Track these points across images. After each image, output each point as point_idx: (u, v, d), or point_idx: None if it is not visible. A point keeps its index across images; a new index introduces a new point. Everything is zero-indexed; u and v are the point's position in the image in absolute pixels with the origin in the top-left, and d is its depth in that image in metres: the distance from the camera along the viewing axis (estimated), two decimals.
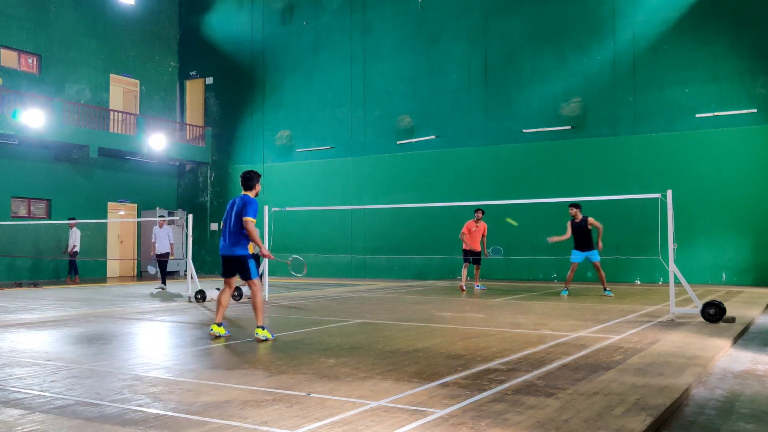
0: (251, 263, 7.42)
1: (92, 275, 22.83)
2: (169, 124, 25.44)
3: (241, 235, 7.40)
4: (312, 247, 22.30)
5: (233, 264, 7.47)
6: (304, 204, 21.80)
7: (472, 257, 15.08)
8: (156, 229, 16.66)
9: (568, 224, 13.48)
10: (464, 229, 15.07)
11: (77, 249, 19.52)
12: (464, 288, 14.87)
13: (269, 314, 10.50)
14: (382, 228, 21.38)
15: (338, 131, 23.00)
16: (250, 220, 7.34)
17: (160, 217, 18.88)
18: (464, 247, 15.05)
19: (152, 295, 14.71)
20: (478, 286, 15.67)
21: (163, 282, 16.70)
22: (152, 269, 9.83)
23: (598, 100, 18.97)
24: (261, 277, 13.25)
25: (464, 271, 15.10)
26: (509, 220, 14.25)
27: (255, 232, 7.34)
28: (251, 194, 7.67)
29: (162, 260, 16.67)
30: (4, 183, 20.61)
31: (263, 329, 7.42)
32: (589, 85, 19.08)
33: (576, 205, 13.25)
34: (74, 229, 19.50)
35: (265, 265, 12.85)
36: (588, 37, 19.12)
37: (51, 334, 8.12)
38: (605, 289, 13.42)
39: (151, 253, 16.69)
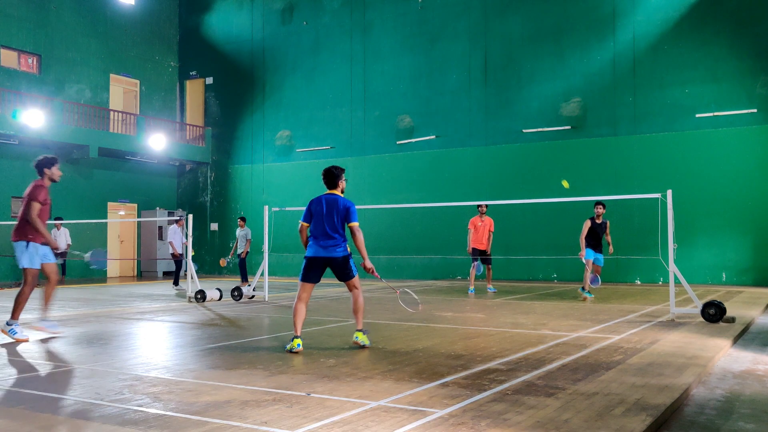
0: (352, 261, 6.87)
1: (92, 275, 22.83)
2: (169, 124, 25.45)
3: (342, 237, 6.82)
4: None
5: (333, 266, 6.82)
6: (304, 204, 21.48)
7: (480, 257, 14.28)
8: (175, 227, 16.74)
9: (588, 222, 12.65)
10: (470, 225, 14.39)
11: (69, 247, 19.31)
12: (470, 293, 14.32)
13: (269, 314, 10.50)
14: (382, 228, 21.38)
15: (338, 131, 23.01)
16: (358, 226, 6.81)
17: (180, 217, 18.88)
18: (470, 244, 14.31)
19: (176, 295, 14.86)
20: (490, 288, 14.74)
21: (177, 281, 16.86)
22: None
23: (598, 100, 18.98)
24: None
25: (472, 272, 14.52)
26: (564, 183, 12.98)
27: (362, 238, 6.81)
28: (339, 193, 6.99)
29: (177, 260, 16.84)
30: (4, 183, 20.62)
31: (363, 333, 6.89)
32: (589, 85, 19.08)
33: (603, 204, 12.65)
34: (62, 228, 19.28)
35: (264, 264, 12.83)
36: (588, 37, 19.13)
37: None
38: (583, 289, 12.86)
39: (175, 253, 16.66)
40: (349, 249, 6.88)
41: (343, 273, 6.85)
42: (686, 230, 16.61)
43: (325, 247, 6.78)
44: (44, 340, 7.56)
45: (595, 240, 12.75)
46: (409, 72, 21.83)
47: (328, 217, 6.81)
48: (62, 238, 19.12)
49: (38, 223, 7.40)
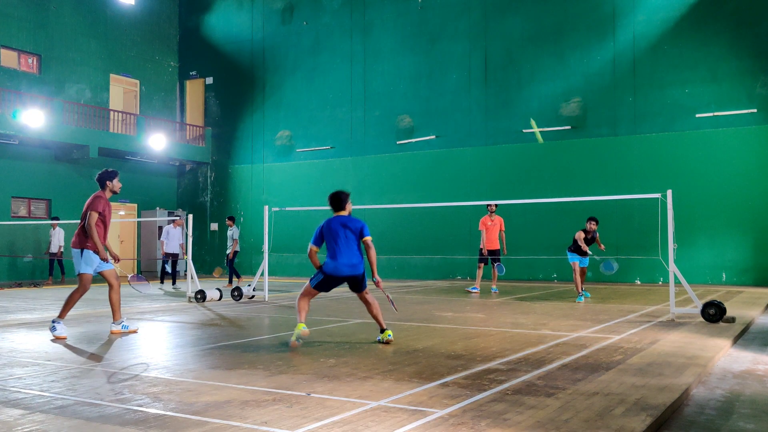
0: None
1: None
2: (169, 124, 25.44)
3: (361, 254, 7.33)
4: None
5: (352, 281, 7.32)
6: (304, 204, 21.79)
7: (491, 257, 14.23)
8: (170, 228, 16.80)
9: (581, 234, 12.48)
10: (481, 226, 14.37)
11: (62, 249, 19.07)
12: (473, 291, 14.33)
13: (269, 314, 10.51)
14: (382, 228, 21.36)
15: (338, 131, 23.00)
16: (371, 240, 7.35)
17: (177, 217, 18.91)
18: (481, 246, 14.30)
19: (172, 293, 14.98)
20: (494, 288, 14.71)
21: (172, 281, 16.91)
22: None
23: (598, 100, 18.98)
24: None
25: (479, 273, 14.55)
26: (535, 130, 12.52)
27: (375, 253, 7.34)
28: (346, 214, 7.48)
29: (170, 260, 16.89)
30: (4, 183, 20.61)
31: (384, 331, 7.32)
32: (589, 85, 19.08)
33: (597, 221, 12.67)
34: (57, 229, 19.10)
35: (264, 264, 12.83)
36: (588, 37, 19.13)
37: (51, 335, 8.12)
38: (583, 292, 12.77)
39: (162, 252, 16.93)
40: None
41: (359, 286, 7.35)
42: (686, 230, 16.61)
43: (350, 266, 7.21)
44: (43, 340, 7.58)
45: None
46: (409, 72, 21.82)
47: (346, 238, 7.23)
48: (56, 238, 19.03)
49: (93, 232, 7.81)
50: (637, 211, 17.61)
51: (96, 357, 6.53)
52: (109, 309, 8.37)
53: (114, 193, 8.16)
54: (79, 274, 7.90)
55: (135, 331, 8.25)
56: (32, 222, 21.04)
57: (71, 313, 10.42)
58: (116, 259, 8.13)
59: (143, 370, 5.81)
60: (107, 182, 8.08)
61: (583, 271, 12.93)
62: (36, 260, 20.93)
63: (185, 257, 17.20)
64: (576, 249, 12.67)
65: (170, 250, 16.86)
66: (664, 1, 18.20)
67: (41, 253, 20.72)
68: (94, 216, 7.80)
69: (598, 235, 12.91)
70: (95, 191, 8.12)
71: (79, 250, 7.88)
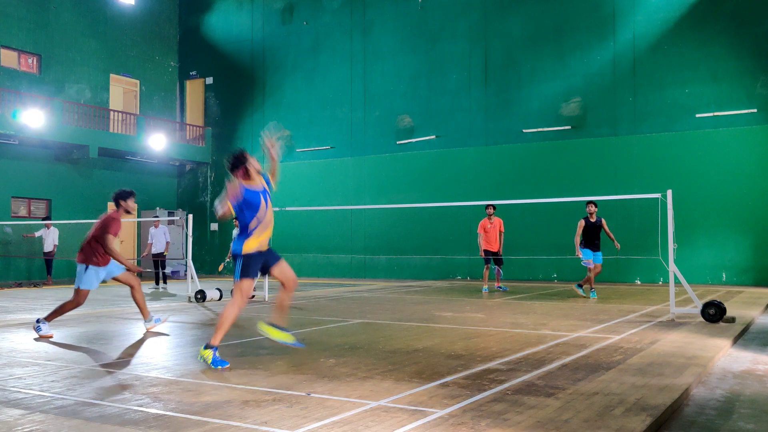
0: (237, 262, 6.03)
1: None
2: (169, 124, 25.44)
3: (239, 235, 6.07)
4: (312, 247, 22.31)
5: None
6: (304, 204, 21.80)
7: (493, 258, 14.54)
8: (152, 229, 16.90)
9: (582, 222, 12.56)
10: (479, 229, 14.56)
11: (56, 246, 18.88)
12: (486, 291, 14.53)
13: (269, 314, 10.48)
14: (382, 228, 21.36)
15: (338, 131, 23.00)
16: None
17: (155, 217, 18.99)
18: (482, 247, 14.51)
19: (162, 293, 14.94)
20: (499, 287, 14.97)
21: (159, 281, 16.95)
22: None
23: (598, 100, 18.97)
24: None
25: (486, 273, 14.75)
26: None
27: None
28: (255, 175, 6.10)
29: (157, 260, 16.94)
30: (4, 183, 20.60)
31: (207, 348, 5.89)
32: (589, 85, 19.08)
33: (595, 203, 12.56)
34: (51, 228, 18.86)
35: None
36: (588, 37, 19.13)
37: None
38: (592, 289, 12.86)
39: (144, 254, 17.08)
40: (238, 247, 6.03)
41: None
42: (686, 230, 16.60)
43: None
44: (41, 339, 7.58)
45: (591, 240, 12.61)
46: (409, 72, 21.82)
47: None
48: (50, 239, 18.91)
49: (117, 254, 7.89)
50: (637, 211, 17.60)
51: (96, 357, 6.53)
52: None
53: (128, 212, 8.22)
54: (77, 289, 7.91)
55: (165, 320, 8.73)
56: (24, 222, 20.97)
57: (71, 313, 10.42)
58: (140, 272, 8.44)
59: (143, 370, 5.81)
60: (121, 201, 8.14)
61: (596, 269, 12.75)
62: (29, 259, 20.92)
63: (166, 253, 17.33)
64: (585, 244, 12.55)
65: (158, 251, 16.93)
66: (664, 1, 18.20)
67: (21, 235, 20.45)
68: (111, 239, 7.84)
69: (605, 222, 12.71)
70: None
71: (83, 266, 7.89)
